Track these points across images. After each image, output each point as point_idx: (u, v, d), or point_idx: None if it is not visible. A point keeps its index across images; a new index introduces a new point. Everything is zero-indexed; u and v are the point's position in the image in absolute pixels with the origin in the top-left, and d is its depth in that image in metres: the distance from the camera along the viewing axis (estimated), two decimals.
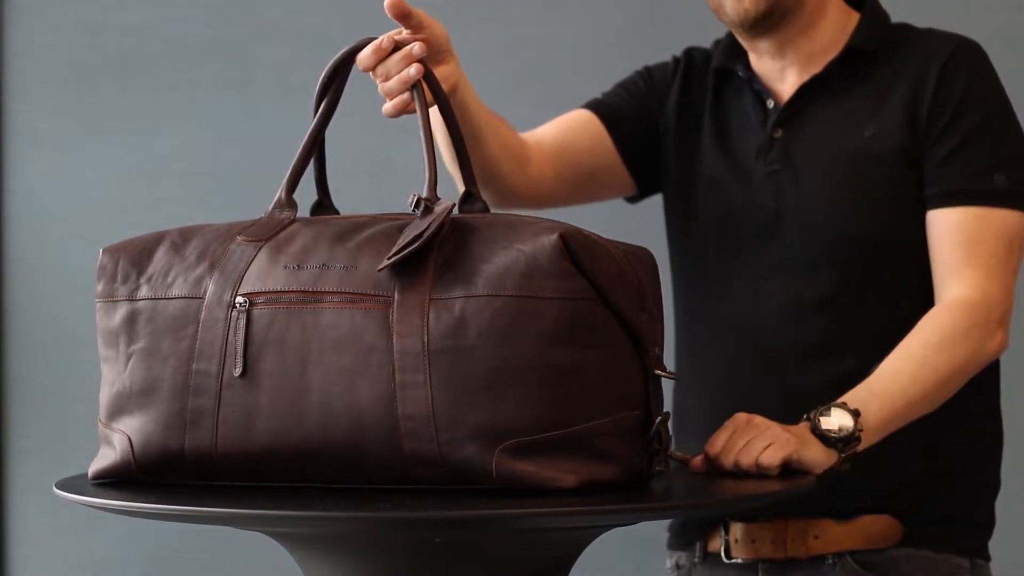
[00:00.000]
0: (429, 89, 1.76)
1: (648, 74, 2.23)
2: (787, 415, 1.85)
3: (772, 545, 1.95)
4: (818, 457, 1.78)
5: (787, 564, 1.98)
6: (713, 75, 2.16)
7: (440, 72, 1.83)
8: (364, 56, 1.76)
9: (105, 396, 1.68)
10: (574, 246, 1.56)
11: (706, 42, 2.23)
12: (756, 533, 1.96)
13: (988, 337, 1.94)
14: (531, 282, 1.55)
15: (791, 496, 1.87)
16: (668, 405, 1.66)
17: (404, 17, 1.79)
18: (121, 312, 1.67)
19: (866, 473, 1.88)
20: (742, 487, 1.72)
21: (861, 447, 1.81)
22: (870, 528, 1.94)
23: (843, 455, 1.79)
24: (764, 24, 2.04)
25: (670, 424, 1.64)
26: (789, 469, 1.76)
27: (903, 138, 2.00)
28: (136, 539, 3.07)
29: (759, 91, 2.11)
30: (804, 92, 2.07)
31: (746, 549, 1.97)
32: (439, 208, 1.60)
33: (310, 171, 1.75)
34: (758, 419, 1.79)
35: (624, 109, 2.21)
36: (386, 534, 1.59)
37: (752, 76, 2.12)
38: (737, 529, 1.98)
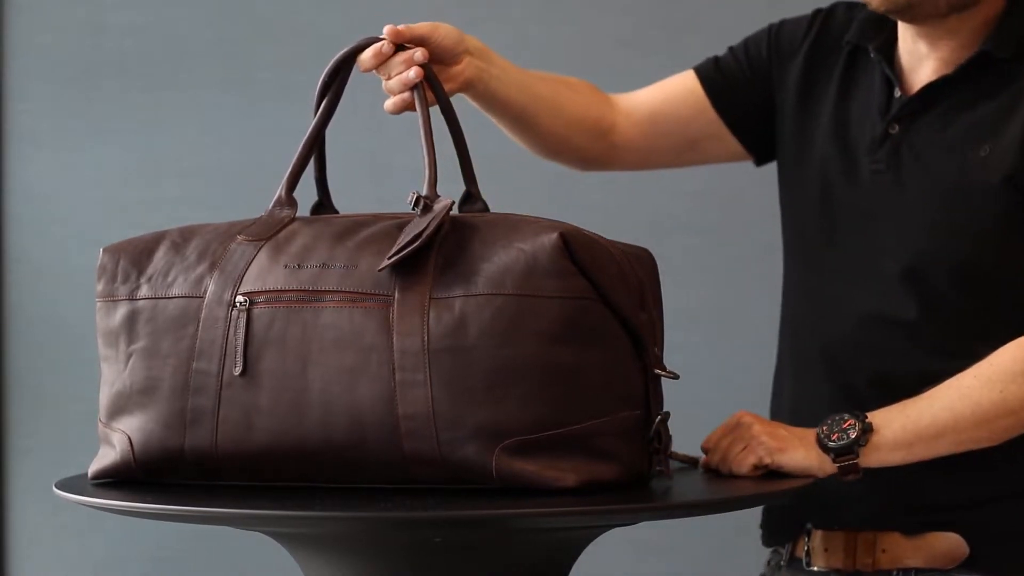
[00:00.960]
0: (430, 89, 1.77)
1: (776, 36, 2.09)
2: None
3: (843, 555, 1.92)
4: (799, 463, 1.76)
5: None
6: (847, 48, 2.01)
7: (452, 71, 1.83)
8: (365, 58, 1.76)
9: (105, 396, 1.68)
10: (574, 245, 1.56)
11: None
12: (830, 542, 1.93)
13: None
14: (531, 281, 1.55)
15: (791, 497, 1.86)
16: (669, 404, 1.66)
17: (401, 40, 1.78)
18: (121, 312, 1.67)
19: (935, 489, 1.86)
20: (742, 487, 1.72)
21: (867, 463, 1.78)
22: (936, 546, 1.89)
23: (838, 465, 1.77)
24: (910, 13, 1.90)
25: (669, 424, 1.65)
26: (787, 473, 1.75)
27: (1017, 161, 1.85)
28: (136, 539, 3.07)
29: (889, 77, 1.96)
30: (929, 91, 1.92)
31: (821, 557, 1.95)
32: (438, 206, 1.60)
33: (310, 171, 1.75)
34: (747, 419, 1.79)
35: (736, 79, 2.09)
36: (386, 534, 1.59)
37: (884, 59, 1.96)
38: (816, 537, 1.96)
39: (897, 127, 1.93)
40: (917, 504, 1.89)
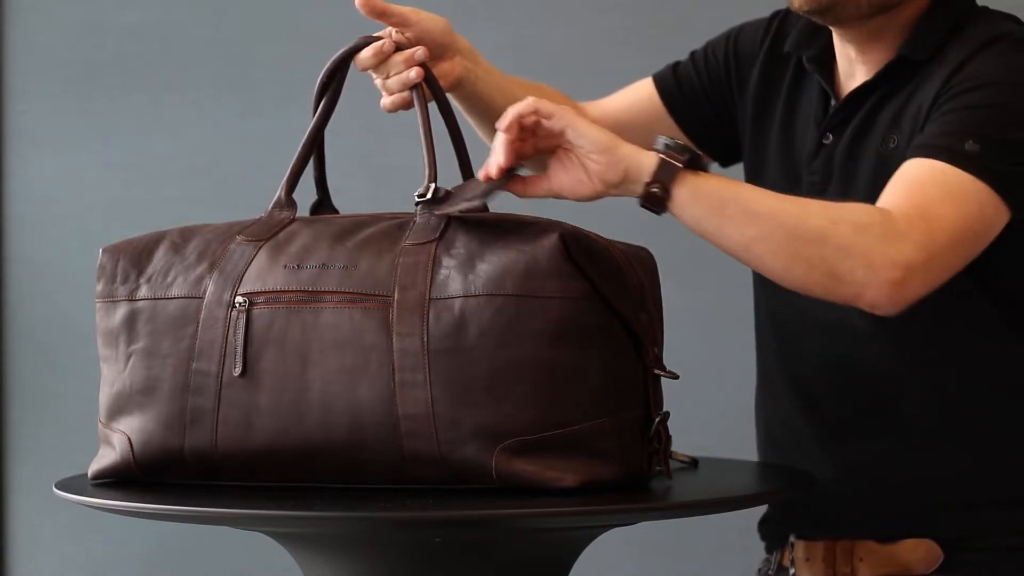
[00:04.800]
0: (429, 88, 1.77)
1: (735, 42, 2.04)
2: (818, 439, 1.86)
3: (823, 564, 1.91)
4: (595, 140, 1.64)
5: None
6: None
7: (440, 69, 1.83)
8: (364, 58, 1.76)
9: (105, 396, 1.68)
10: (574, 246, 1.56)
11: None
12: (811, 552, 1.93)
13: (885, 240, 1.63)
14: (531, 282, 1.55)
15: (791, 498, 1.86)
16: (669, 404, 1.66)
17: (381, 15, 1.78)
18: (121, 312, 1.67)
19: (907, 496, 1.85)
20: (742, 487, 1.72)
21: (667, 197, 1.64)
22: (911, 553, 1.88)
23: (642, 184, 1.64)
24: (832, 14, 1.84)
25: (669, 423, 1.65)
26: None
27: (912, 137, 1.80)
28: (136, 539, 3.07)
29: (824, 87, 1.92)
30: (853, 98, 1.88)
31: (804, 567, 1.94)
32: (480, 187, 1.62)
33: (310, 171, 1.75)
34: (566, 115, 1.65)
35: (694, 89, 2.06)
36: (386, 534, 1.59)
37: (820, 68, 1.92)
38: (798, 547, 1.95)
39: (831, 136, 1.89)
40: (890, 512, 1.88)
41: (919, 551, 1.87)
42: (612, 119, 2.07)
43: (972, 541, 1.85)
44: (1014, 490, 1.86)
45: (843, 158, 1.88)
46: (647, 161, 1.64)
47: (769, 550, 2.01)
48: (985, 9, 1.90)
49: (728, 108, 2.05)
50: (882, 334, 1.84)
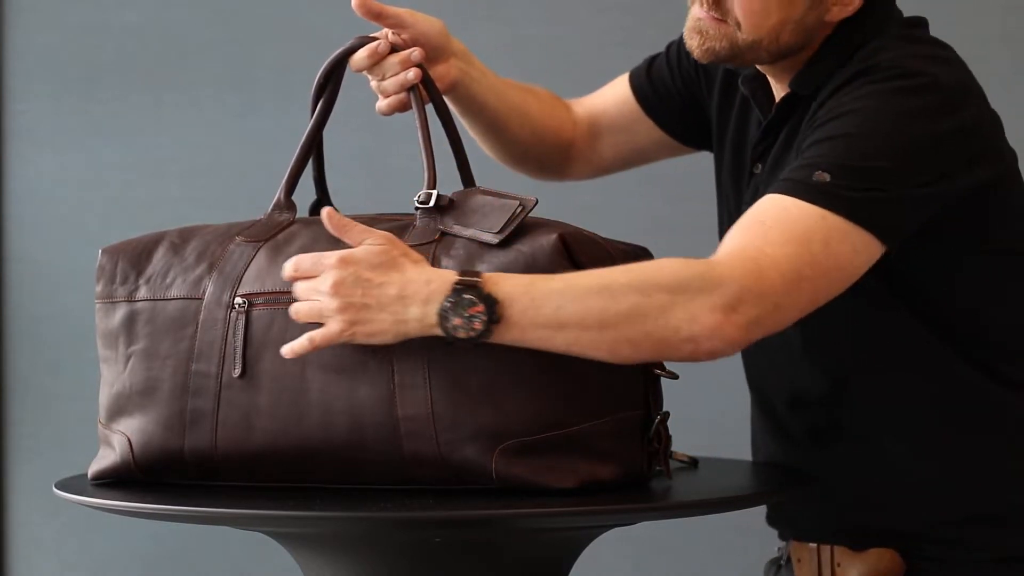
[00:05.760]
0: (425, 90, 1.76)
1: None
2: (785, 450, 1.86)
3: (810, 567, 1.92)
4: (376, 336, 1.55)
5: None
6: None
7: (436, 71, 1.82)
8: (359, 59, 1.75)
9: (105, 397, 1.68)
10: (573, 246, 1.56)
11: None
12: (801, 553, 1.93)
13: (704, 291, 1.57)
14: None
15: (791, 497, 1.86)
16: (669, 404, 1.66)
17: (377, 16, 1.78)
18: (120, 313, 1.67)
19: (868, 507, 1.85)
20: (741, 488, 1.72)
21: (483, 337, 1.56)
22: (877, 561, 1.88)
23: (445, 333, 1.55)
24: (733, 63, 1.82)
25: (669, 424, 1.65)
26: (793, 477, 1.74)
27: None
28: (136, 539, 3.07)
29: (757, 113, 1.90)
30: (765, 132, 1.86)
31: (796, 568, 1.94)
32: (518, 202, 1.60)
33: (309, 171, 1.75)
34: (336, 272, 1.55)
35: (667, 86, 2.04)
36: (386, 534, 1.59)
37: (756, 91, 1.90)
38: (792, 547, 1.94)
39: (760, 166, 1.87)
40: (855, 522, 1.87)
41: (884, 560, 1.87)
42: (593, 121, 2.09)
43: (931, 553, 1.84)
44: (969, 504, 1.83)
45: (759, 191, 1.81)
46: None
47: (783, 537, 2.02)
48: (885, 32, 1.82)
49: (702, 105, 2.03)
50: (814, 350, 1.83)
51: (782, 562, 1.99)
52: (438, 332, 1.53)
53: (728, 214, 1.95)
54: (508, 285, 1.54)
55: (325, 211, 1.60)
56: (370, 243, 1.57)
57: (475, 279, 1.53)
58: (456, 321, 1.53)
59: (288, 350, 1.56)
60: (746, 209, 1.71)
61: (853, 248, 1.65)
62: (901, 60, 1.74)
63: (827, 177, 1.65)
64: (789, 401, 1.87)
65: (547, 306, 1.54)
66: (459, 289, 1.53)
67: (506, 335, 1.54)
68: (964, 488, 1.83)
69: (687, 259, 1.59)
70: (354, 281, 1.55)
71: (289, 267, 1.58)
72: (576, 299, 1.54)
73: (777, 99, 1.87)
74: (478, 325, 1.53)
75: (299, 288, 1.57)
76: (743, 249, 1.61)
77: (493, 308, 1.53)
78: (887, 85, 1.71)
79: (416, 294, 1.54)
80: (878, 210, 1.66)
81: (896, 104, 1.70)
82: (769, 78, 1.88)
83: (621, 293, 1.55)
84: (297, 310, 1.57)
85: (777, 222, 1.63)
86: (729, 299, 1.57)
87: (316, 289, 1.56)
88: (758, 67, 1.87)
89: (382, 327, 1.55)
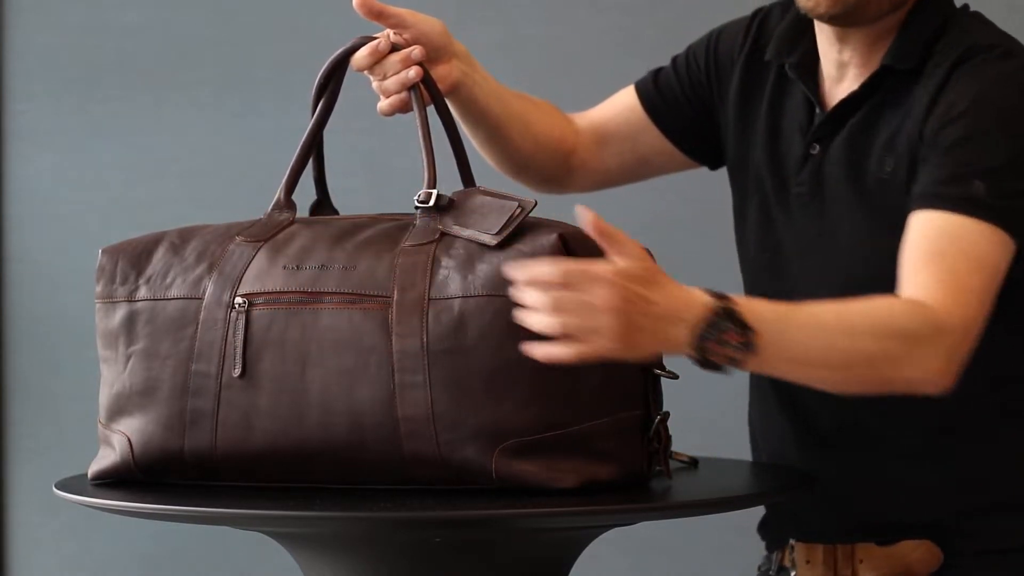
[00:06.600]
0: (426, 90, 1.76)
1: (716, 46, 2.01)
2: (813, 450, 1.85)
3: (823, 567, 1.90)
4: (641, 358, 1.56)
5: None
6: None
7: (437, 72, 1.81)
8: (360, 57, 1.75)
9: (105, 397, 1.68)
10: (573, 246, 1.56)
11: None
12: (811, 554, 1.91)
13: (933, 343, 1.65)
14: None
15: (791, 498, 1.86)
16: (669, 404, 1.66)
17: (378, 16, 1.77)
18: (120, 313, 1.67)
19: (903, 501, 1.84)
20: (742, 487, 1.72)
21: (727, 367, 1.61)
22: (910, 554, 1.87)
23: (699, 362, 1.57)
24: (854, 17, 1.81)
25: (669, 424, 1.64)
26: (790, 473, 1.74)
27: (911, 167, 1.79)
28: (136, 539, 3.07)
29: (807, 95, 1.89)
30: (840, 109, 1.85)
31: (803, 569, 1.93)
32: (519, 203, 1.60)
33: (309, 171, 1.75)
34: (604, 290, 1.51)
35: (676, 96, 2.02)
36: (386, 534, 1.59)
37: (803, 75, 1.89)
38: (798, 549, 1.93)
39: (817, 147, 1.86)
40: (887, 516, 1.87)
41: (918, 552, 1.87)
42: (598, 132, 2.07)
43: (968, 543, 1.85)
44: (1006, 493, 1.85)
45: (832, 172, 1.85)
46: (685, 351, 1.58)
47: (769, 549, 2.01)
48: (956, 11, 1.88)
49: (712, 113, 2.02)
50: None
51: (772, 571, 1.98)
52: (690, 354, 1.54)
53: (762, 200, 1.93)
54: (760, 313, 1.57)
55: (589, 218, 1.53)
56: (637, 256, 1.55)
57: (732, 306, 1.55)
58: (712, 346, 1.54)
59: (543, 353, 1.50)
60: (799, 191, 1.81)
61: (1008, 255, 1.73)
62: (999, 40, 1.81)
63: (983, 188, 1.71)
64: (828, 401, 1.86)
65: (795, 342, 1.60)
66: (718, 313, 1.54)
67: (751, 364, 1.57)
68: (1004, 475, 1.84)
69: (910, 301, 1.67)
70: (632, 298, 1.51)
71: (552, 274, 1.50)
72: (822, 338, 1.62)
73: (828, 78, 1.87)
74: (733, 353, 1.55)
75: (555, 298, 1.49)
76: (946, 291, 1.67)
77: (749, 337, 1.56)
78: (1003, 66, 1.77)
79: (677, 314, 1.54)
80: (1018, 215, 1.73)
81: (1020, 85, 1.77)
82: (842, 53, 1.86)
83: (860, 337, 1.62)
84: (550, 324, 1.50)
85: (957, 251, 1.70)
86: (952, 347, 1.65)
87: (583, 303, 1.49)
88: (834, 41, 1.86)
89: (645, 347, 1.54)
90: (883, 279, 1.73)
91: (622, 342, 1.50)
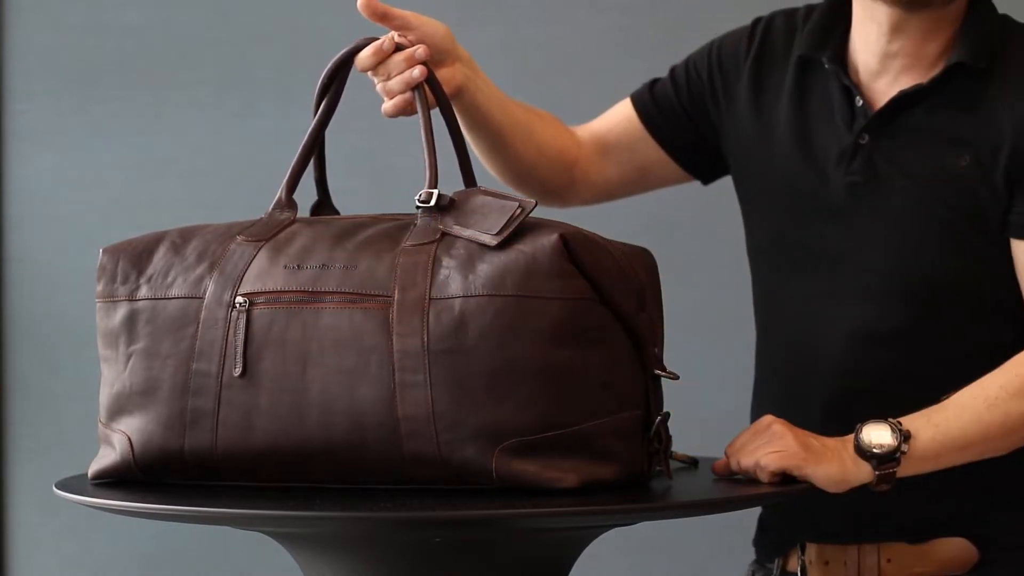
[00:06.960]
0: (430, 90, 1.76)
1: (718, 55, 2.03)
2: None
3: (844, 568, 1.90)
4: (831, 476, 1.71)
5: None
6: (797, 59, 1.95)
7: (441, 75, 1.81)
8: (364, 57, 1.75)
9: (105, 396, 1.68)
10: (574, 246, 1.56)
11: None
12: (830, 555, 1.91)
13: None
14: (531, 282, 1.55)
15: (791, 499, 1.86)
16: (669, 404, 1.66)
17: (382, 18, 1.77)
18: (121, 312, 1.67)
19: (940, 495, 1.84)
20: (742, 487, 1.72)
21: (902, 472, 1.73)
22: (943, 552, 1.86)
23: (878, 473, 1.72)
24: (921, 1, 1.84)
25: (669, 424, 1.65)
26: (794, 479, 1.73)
27: (999, 170, 1.83)
28: (136, 539, 3.08)
29: (848, 86, 1.90)
30: (902, 100, 1.87)
31: (820, 571, 1.92)
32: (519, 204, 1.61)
33: (310, 171, 1.75)
34: (779, 425, 1.72)
35: (673, 107, 2.05)
36: (386, 534, 1.59)
37: (840, 69, 1.91)
38: (812, 550, 1.93)
39: (867, 137, 1.88)
40: (921, 513, 1.86)
41: (953, 550, 1.86)
42: (598, 143, 2.08)
43: (1008, 541, 1.85)
44: None
45: (891, 161, 1.87)
46: (866, 472, 1.75)
47: (770, 558, 1.99)
48: (996, 10, 1.91)
49: (711, 124, 2.03)
50: (920, 342, 1.87)
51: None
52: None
53: (794, 196, 1.94)
54: (923, 448, 1.75)
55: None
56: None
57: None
58: (875, 446, 1.74)
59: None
60: (852, 180, 1.87)
61: None
62: None
63: None
64: (862, 396, 1.88)
65: (951, 432, 1.76)
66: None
67: (922, 466, 1.76)
68: None
69: None
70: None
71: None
72: (975, 419, 1.77)
73: (865, 70, 1.90)
74: (893, 441, 1.74)
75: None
76: None
77: (901, 429, 1.75)
78: None
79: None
80: None
81: None
82: (891, 45, 1.88)
83: (1013, 408, 1.77)
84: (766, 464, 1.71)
85: None
86: None
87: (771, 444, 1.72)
88: (887, 31, 1.88)
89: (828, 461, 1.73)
90: (938, 265, 1.85)
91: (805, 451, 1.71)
